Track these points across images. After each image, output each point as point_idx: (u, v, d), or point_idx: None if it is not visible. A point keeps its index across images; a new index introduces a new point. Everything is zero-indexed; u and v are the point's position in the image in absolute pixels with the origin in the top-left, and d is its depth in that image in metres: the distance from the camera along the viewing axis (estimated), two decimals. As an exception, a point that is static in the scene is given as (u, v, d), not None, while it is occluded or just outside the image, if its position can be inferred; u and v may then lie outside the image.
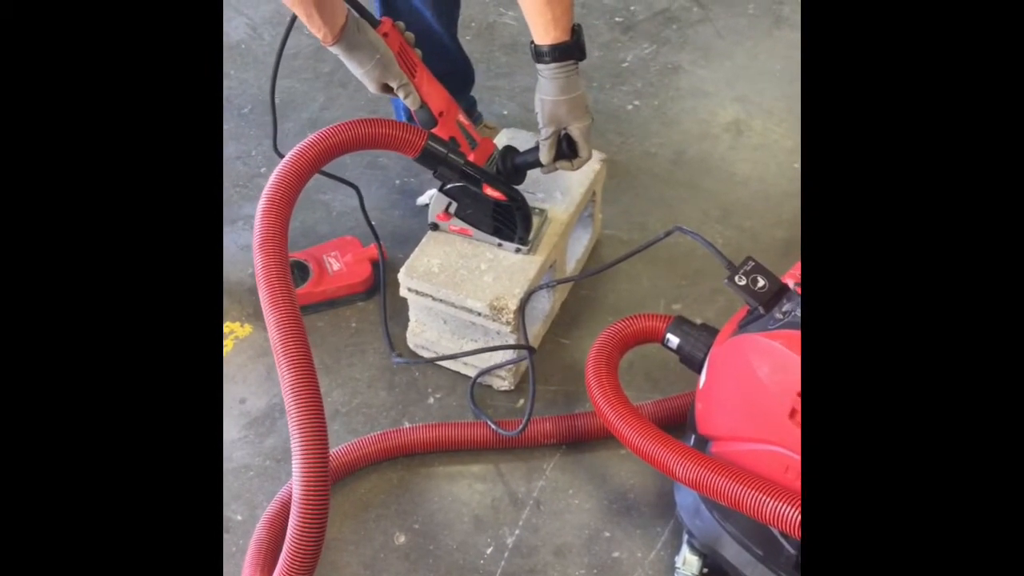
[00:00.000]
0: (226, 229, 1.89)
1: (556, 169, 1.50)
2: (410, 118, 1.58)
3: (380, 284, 1.74)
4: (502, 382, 1.59)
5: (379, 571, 1.38)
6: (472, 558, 1.39)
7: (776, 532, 1.14)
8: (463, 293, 1.50)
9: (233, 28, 2.45)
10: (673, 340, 1.32)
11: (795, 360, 1.04)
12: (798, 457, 1.05)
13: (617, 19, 2.44)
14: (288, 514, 1.25)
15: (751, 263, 1.18)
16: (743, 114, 2.14)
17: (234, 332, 1.71)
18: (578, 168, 1.50)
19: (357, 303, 1.76)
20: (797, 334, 1.06)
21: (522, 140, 1.69)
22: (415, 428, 1.51)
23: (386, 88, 1.46)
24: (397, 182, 1.99)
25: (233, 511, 1.45)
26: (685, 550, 1.31)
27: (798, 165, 2.00)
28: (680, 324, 1.32)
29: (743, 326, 1.17)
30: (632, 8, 2.47)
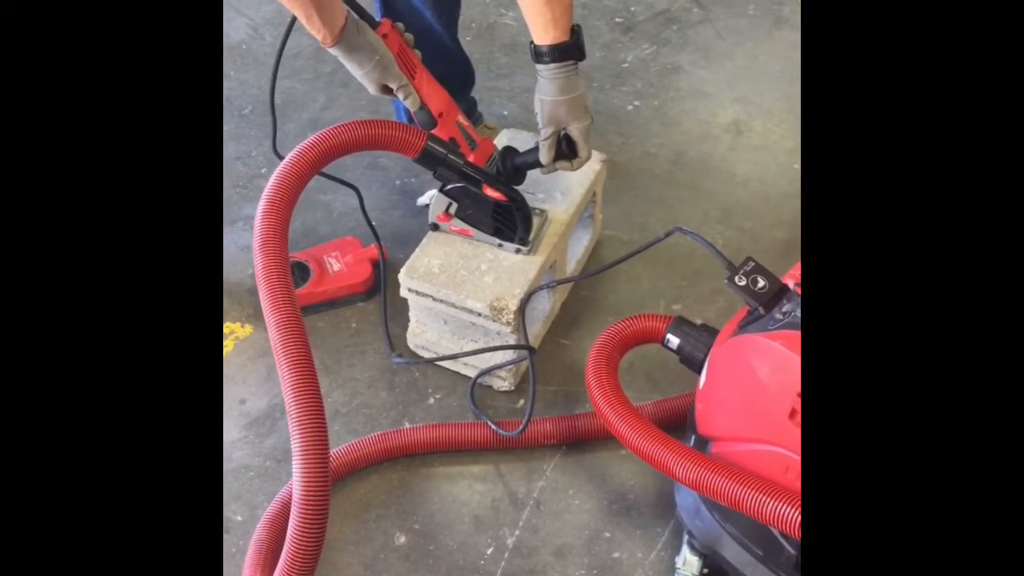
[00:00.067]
0: (226, 230, 1.89)
1: (556, 169, 1.50)
2: (410, 119, 1.58)
3: (380, 284, 1.74)
4: (502, 382, 1.59)
5: (379, 571, 1.38)
6: (472, 558, 1.39)
7: (776, 532, 1.14)
8: (463, 293, 1.50)
9: (234, 29, 2.45)
10: (673, 340, 1.32)
11: (795, 360, 1.04)
12: (798, 457, 1.05)
13: (617, 20, 2.44)
14: (288, 514, 1.24)
15: (751, 263, 1.18)
16: (743, 115, 2.14)
17: (234, 332, 1.71)
18: (578, 168, 1.51)
19: (357, 303, 1.76)
20: (797, 334, 1.06)
21: (522, 140, 1.69)
22: (415, 428, 1.51)
23: (386, 89, 1.46)
24: (397, 183, 2.00)
25: (233, 511, 1.45)
26: (685, 550, 1.31)
27: (798, 166, 2.00)
28: (680, 324, 1.32)
29: (743, 326, 1.17)
30: (632, 9, 2.47)
